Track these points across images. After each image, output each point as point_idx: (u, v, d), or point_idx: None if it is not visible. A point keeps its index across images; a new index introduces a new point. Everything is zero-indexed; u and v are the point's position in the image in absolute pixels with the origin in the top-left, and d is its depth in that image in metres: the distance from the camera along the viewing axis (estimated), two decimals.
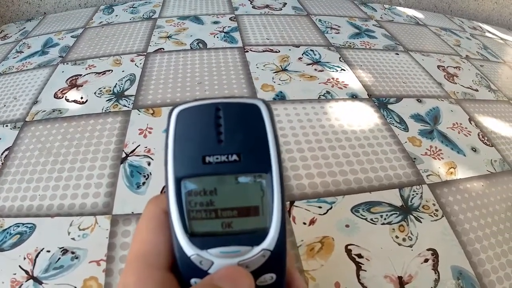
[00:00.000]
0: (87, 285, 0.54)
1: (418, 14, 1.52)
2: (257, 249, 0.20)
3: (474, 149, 0.83)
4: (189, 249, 0.20)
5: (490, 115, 0.96)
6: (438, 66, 1.13)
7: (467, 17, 1.62)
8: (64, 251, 0.58)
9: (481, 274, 0.59)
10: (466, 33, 1.45)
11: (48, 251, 0.58)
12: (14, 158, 0.73)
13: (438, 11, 1.60)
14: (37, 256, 0.57)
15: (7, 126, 0.82)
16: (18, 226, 0.61)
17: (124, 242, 0.58)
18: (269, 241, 0.20)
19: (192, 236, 0.20)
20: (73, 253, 0.58)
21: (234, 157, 0.20)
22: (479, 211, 0.69)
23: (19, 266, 0.56)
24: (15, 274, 0.55)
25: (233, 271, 0.20)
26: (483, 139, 0.87)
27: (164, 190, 0.22)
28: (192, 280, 0.21)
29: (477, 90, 1.06)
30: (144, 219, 0.22)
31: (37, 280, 0.54)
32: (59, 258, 0.57)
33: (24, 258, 0.57)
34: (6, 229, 0.61)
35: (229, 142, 0.20)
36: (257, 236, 0.20)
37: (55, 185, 0.67)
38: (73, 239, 0.59)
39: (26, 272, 0.55)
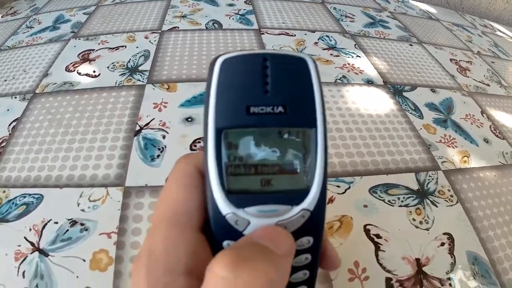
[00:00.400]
0: (97, 258, 0.52)
1: (431, 9, 1.50)
2: (296, 209, 0.19)
3: (486, 140, 0.82)
4: (225, 207, 0.19)
5: (501, 110, 0.95)
6: (451, 59, 1.11)
7: (478, 15, 1.61)
8: (73, 222, 0.55)
9: (495, 260, 0.58)
10: (477, 30, 1.44)
11: (56, 223, 0.55)
12: (23, 129, 0.71)
13: (450, 7, 1.59)
14: (43, 227, 0.55)
15: (16, 97, 0.79)
16: (25, 197, 0.59)
17: (137, 215, 0.56)
18: (310, 201, 0.19)
19: (229, 193, 0.19)
20: (82, 224, 0.55)
21: (280, 108, 0.19)
22: (492, 200, 0.68)
23: (24, 237, 0.53)
24: (19, 245, 0.52)
25: (272, 231, 0.19)
26: (495, 132, 0.86)
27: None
28: (225, 243, 0.20)
29: (488, 85, 1.04)
30: (174, 177, 0.21)
31: (43, 252, 0.52)
32: (67, 230, 0.54)
33: (30, 230, 0.54)
34: (11, 199, 0.58)
35: (275, 93, 0.19)
36: (298, 195, 0.19)
37: (65, 155, 0.65)
38: (82, 210, 0.57)
39: (32, 243, 0.53)
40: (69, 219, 0.56)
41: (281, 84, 0.19)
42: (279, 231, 0.19)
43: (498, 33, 1.51)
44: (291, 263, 0.18)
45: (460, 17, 1.52)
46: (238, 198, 0.19)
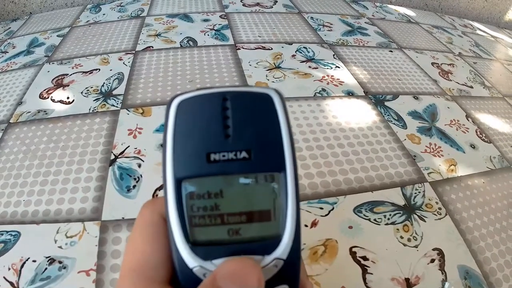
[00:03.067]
0: None
1: (409, 12, 1.51)
2: (268, 259, 0.18)
3: (473, 146, 0.81)
4: (191, 260, 0.17)
5: (486, 112, 0.95)
6: (432, 63, 1.11)
7: (457, 15, 1.61)
8: (51, 260, 0.53)
9: (487, 272, 0.57)
10: (457, 30, 1.44)
11: (34, 261, 0.53)
12: None
13: (428, 9, 1.59)
14: (22, 266, 0.52)
15: None
16: (2, 234, 0.56)
17: (115, 250, 0.54)
18: (282, 249, 0.18)
19: (194, 245, 0.17)
20: (60, 262, 0.53)
21: (244, 154, 0.17)
22: (482, 209, 0.67)
23: (4, 277, 0.51)
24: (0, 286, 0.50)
25: (237, 267, 0.17)
26: (481, 136, 0.85)
27: (158, 193, 0.18)
28: None
29: (471, 87, 1.04)
30: (138, 226, 0.19)
31: None
32: (46, 268, 0.52)
33: (9, 269, 0.52)
34: None
35: (237, 136, 0.17)
36: (269, 244, 0.18)
37: (41, 189, 0.63)
38: (60, 247, 0.55)
39: (11, 284, 0.50)
40: (47, 257, 0.53)
41: (243, 126, 0.17)
42: (244, 266, 0.17)
43: (478, 32, 1.51)
44: None
45: (440, 18, 1.52)
46: (204, 250, 0.17)
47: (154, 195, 0.62)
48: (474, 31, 1.50)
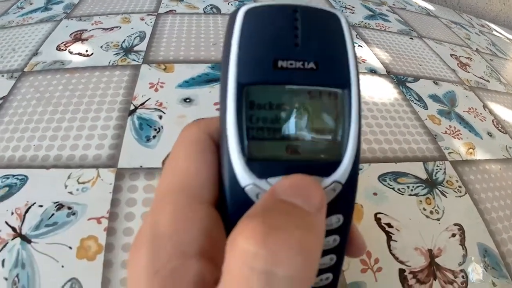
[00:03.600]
0: (85, 245, 0.46)
1: (429, 6, 1.48)
2: (327, 181, 0.16)
3: (490, 134, 0.80)
4: (245, 177, 0.16)
5: (502, 105, 0.93)
6: (451, 55, 1.09)
7: (475, 15, 1.59)
8: (59, 206, 0.49)
9: (504, 253, 0.56)
10: (475, 28, 1.42)
11: (41, 206, 0.49)
12: (9, 108, 0.65)
13: (447, 5, 1.57)
14: (27, 211, 0.49)
15: (3, 76, 0.73)
16: (8, 178, 0.52)
17: (130, 198, 0.51)
18: (342, 172, 0.16)
19: (249, 160, 0.16)
20: (69, 208, 0.49)
21: (311, 64, 0.16)
22: (499, 193, 0.65)
23: (5, 222, 0.47)
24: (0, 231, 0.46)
25: (300, 182, 0.15)
26: (497, 126, 0.83)
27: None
28: None
29: (488, 81, 1.02)
30: (182, 143, 0.18)
31: (25, 239, 0.46)
32: (53, 214, 0.48)
33: (12, 213, 0.48)
34: None
35: (306, 47, 0.16)
36: (329, 165, 0.16)
37: (53, 135, 0.59)
38: (70, 193, 0.51)
39: (13, 229, 0.47)
40: (55, 202, 0.50)
41: (312, 38, 0.16)
42: (307, 181, 0.15)
43: (494, 33, 1.49)
44: (324, 219, 0.15)
45: (458, 15, 1.50)
46: (260, 166, 0.16)
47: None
48: (491, 31, 1.48)
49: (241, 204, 0.16)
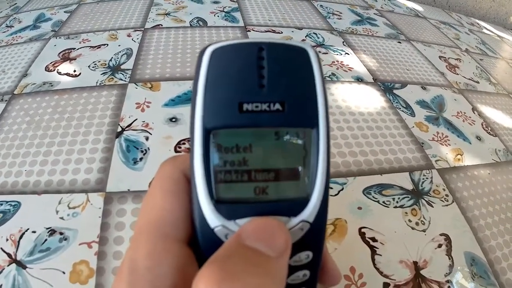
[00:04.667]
0: (77, 269, 0.47)
1: (417, 7, 1.49)
2: (295, 221, 0.16)
3: (478, 138, 0.80)
4: (213, 219, 0.16)
5: (491, 107, 0.94)
6: (440, 57, 1.09)
7: (464, 13, 1.60)
8: (52, 231, 0.51)
9: (492, 260, 0.56)
10: (464, 28, 1.43)
11: (34, 232, 0.51)
12: (0, 132, 0.66)
13: (436, 5, 1.57)
14: (21, 237, 0.50)
15: None
16: (1, 204, 0.54)
17: (119, 222, 0.52)
18: (310, 211, 0.16)
19: (218, 202, 0.16)
20: (61, 234, 0.51)
21: (277, 106, 0.16)
22: (487, 198, 0.66)
23: (1, 248, 0.48)
24: None
25: (264, 226, 0.15)
26: (486, 129, 0.84)
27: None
28: None
29: (478, 82, 1.03)
30: (158, 182, 0.18)
31: (21, 264, 0.47)
32: (46, 240, 0.50)
33: (7, 240, 0.49)
34: None
35: (272, 87, 0.16)
36: (296, 205, 0.17)
37: (43, 160, 0.60)
38: (61, 218, 0.52)
39: (9, 255, 0.48)
40: (47, 228, 0.51)
41: (279, 78, 0.16)
42: (271, 225, 0.15)
43: (484, 31, 1.50)
44: (287, 262, 0.16)
45: (447, 15, 1.51)
46: (228, 208, 0.16)
47: None
48: (481, 29, 1.49)
49: (212, 243, 0.16)
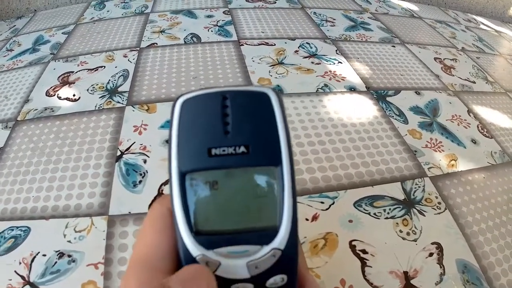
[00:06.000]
0: None
1: (413, 7, 1.50)
2: (266, 249, 0.19)
3: (474, 141, 0.82)
4: (194, 249, 0.19)
5: (488, 107, 0.95)
6: (435, 58, 1.11)
7: (461, 10, 1.61)
8: (61, 254, 0.55)
9: (485, 267, 0.58)
10: (461, 25, 1.44)
11: (44, 255, 0.55)
12: (6, 159, 0.71)
13: (432, 3, 1.59)
14: (32, 260, 0.55)
15: None
16: (12, 230, 0.59)
17: (122, 244, 0.56)
18: (280, 239, 0.19)
19: (197, 235, 0.19)
20: (69, 256, 0.55)
21: (242, 149, 0.19)
22: (482, 204, 0.68)
23: (15, 271, 0.53)
24: (10, 280, 0.52)
25: (190, 274, 0.18)
26: (482, 131, 0.86)
27: (163, 188, 0.20)
28: None
29: (474, 82, 1.05)
30: (149, 220, 0.21)
31: (34, 286, 0.52)
32: (56, 262, 0.54)
33: (20, 263, 0.54)
34: (0, 233, 0.58)
35: (236, 133, 0.19)
36: (267, 235, 0.19)
37: (49, 186, 0.65)
38: (69, 241, 0.57)
39: (22, 277, 0.53)
40: (56, 251, 0.56)
41: (242, 123, 0.19)
42: (196, 273, 0.18)
43: (482, 26, 1.51)
44: None
45: (443, 13, 1.52)
46: (207, 239, 0.19)
47: (160, 190, 0.63)
48: (478, 25, 1.50)
49: None
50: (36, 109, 0.82)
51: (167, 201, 0.21)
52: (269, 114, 0.19)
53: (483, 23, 1.54)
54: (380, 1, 1.48)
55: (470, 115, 0.89)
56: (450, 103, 0.92)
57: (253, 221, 0.19)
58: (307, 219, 0.59)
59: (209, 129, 0.19)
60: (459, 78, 1.04)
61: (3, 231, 0.58)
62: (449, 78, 1.03)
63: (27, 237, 0.57)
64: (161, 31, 1.10)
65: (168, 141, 0.19)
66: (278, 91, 0.19)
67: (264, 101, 0.19)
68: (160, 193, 0.63)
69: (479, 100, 0.97)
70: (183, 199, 0.19)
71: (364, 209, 0.62)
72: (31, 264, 0.54)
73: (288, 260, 0.19)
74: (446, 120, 0.86)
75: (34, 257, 0.55)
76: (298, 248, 0.20)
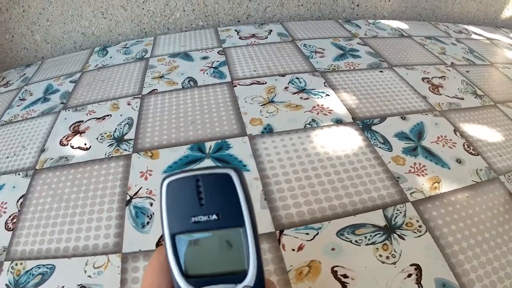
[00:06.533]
0: None
1: (403, 25, 1.61)
2: (240, 286, 0.26)
3: (459, 161, 0.89)
4: None
5: (476, 123, 1.03)
6: (423, 79, 1.21)
7: (452, 21, 1.70)
8: (82, 287, 0.67)
9: (465, 283, 0.64)
10: (451, 38, 1.53)
11: None
12: (29, 205, 0.83)
13: (422, 19, 1.69)
14: None
15: (19, 174, 0.92)
16: (39, 268, 0.71)
17: (134, 277, 0.68)
18: (249, 279, 0.26)
19: (187, 277, 0.27)
20: None
21: (214, 216, 0.27)
22: (464, 223, 0.74)
23: None
24: None
25: None
26: (468, 149, 0.93)
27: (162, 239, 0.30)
28: None
29: (462, 99, 1.12)
30: (151, 266, 0.29)
31: None
32: None
33: None
34: (28, 270, 0.70)
35: (209, 205, 0.27)
36: (240, 276, 0.26)
37: (69, 228, 0.77)
38: (89, 276, 0.68)
39: None
40: (79, 285, 0.67)
41: (212, 197, 0.27)
42: None
43: (473, 36, 1.60)
44: None
45: (434, 27, 1.62)
46: (195, 281, 0.26)
47: (159, 240, 0.75)
48: (469, 36, 1.59)
49: None
50: (52, 158, 0.95)
51: (163, 251, 0.28)
52: (232, 189, 0.27)
53: (474, 32, 1.63)
54: (369, 24, 1.60)
55: (456, 134, 0.97)
56: (436, 124, 1.00)
57: (228, 267, 0.27)
58: (293, 249, 0.70)
59: (189, 203, 0.27)
60: (446, 97, 1.12)
61: (31, 269, 0.70)
62: (436, 97, 1.11)
63: (53, 274, 0.69)
64: (160, 77, 1.24)
65: (160, 211, 0.28)
66: (238, 169, 0.28)
67: (227, 180, 0.27)
68: None
69: (467, 117, 1.05)
70: (175, 253, 0.27)
71: (346, 237, 0.72)
72: None
73: None
74: (431, 142, 0.94)
75: None
76: (266, 283, 0.27)
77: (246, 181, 0.28)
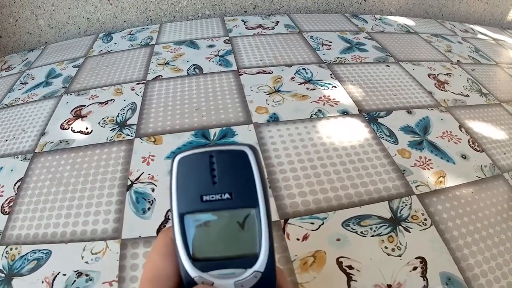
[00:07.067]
0: None
1: (409, 22, 1.59)
2: (249, 271, 0.25)
3: (464, 156, 0.88)
4: (192, 272, 0.25)
5: (480, 120, 1.02)
6: (429, 75, 1.19)
7: (458, 20, 1.68)
8: (79, 274, 0.65)
9: (470, 278, 0.64)
10: (457, 37, 1.52)
11: (64, 275, 0.65)
12: (27, 189, 0.81)
13: (429, 16, 1.67)
14: (54, 279, 0.64)
15: (17, 157, 0.90)
16: (35, 253, 0.68)
17: (133, 264, 0.65)
18: (260, 264, 0.25)
19: (194, 260, 0.25)
20: (87, 275, 0.65)
21: (227, 195, 0.25)
22: (468, 218, 0.73)
23: None
24: None
25: None
26: (473, 146, 0.92)
27: (169, 214, 0.28)
28: None
29: (468, 96, 1.11)
30: (155, 248, 0.27)
31: None
32: (75, 281, 0.64)
33: (42, 282, 0.64)
34: (23, 255, 0.68)
35: (222, 183, 0.25)
36: (250, 260, 0.25)
37: (67, 213, 0.74)
38: (86, 262, 0.66)
39: None
40: (75, 271, 0.65)
41: (226, 175, 0.25)
42: None
43: (479, 36, 1.58)
44: None
45: (440, 25, 1.60)
46: (202, 264, 0.25)
47: (166, 216, 0.73)
48: (475, 35, 1.57)
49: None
50: (52, 142, 0.93)
51: (169, 232, 0.27)
52: (247, 167, 0.25)
53: (480, 32, 1.61)
54: (376, 19, 1.58)
55: (461, 130, 0.96)
56: (441, 119, 0.99)
57: (238, 250, 0.25)
58: (298, 239, 0.68)
59: (200, 181, 0.25)
60: (452, 93, 1.11)
61: (26, 254, 0.68)
62: (442, 94, 1.10)
63: (49, 259, 0.67)
64: (165, 63, 1.22)
65: (169, 188, 0.26)
66: (254, 147, 0.26)
67: (243, 157, 0.26)
68: (166, 219, 0.72)
69: (472, 114, 1.04)
70: (183, 234, 0.25)
71: (351, 228, 0.70)
72: (52, 283, 0.63)
73: (268, 279, 0.25)
74: (437, 137, 0.93)
75: (55, 276, 0.64)
76: (276, 271, 0.26)
77: (262, 160, 0.26)
